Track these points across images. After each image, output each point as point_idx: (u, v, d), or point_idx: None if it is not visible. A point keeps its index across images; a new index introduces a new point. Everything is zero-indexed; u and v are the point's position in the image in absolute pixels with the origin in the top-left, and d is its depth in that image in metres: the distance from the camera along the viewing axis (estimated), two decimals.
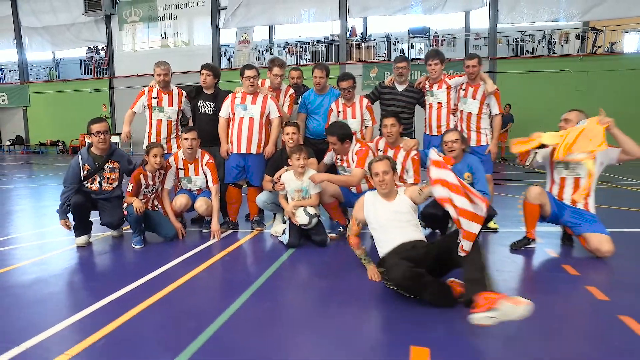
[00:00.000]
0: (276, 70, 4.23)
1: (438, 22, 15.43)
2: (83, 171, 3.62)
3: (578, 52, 13.48)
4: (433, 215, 3.45)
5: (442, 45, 15.36)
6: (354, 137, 3.83)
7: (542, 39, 14.20)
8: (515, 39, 14.32)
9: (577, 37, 13.80)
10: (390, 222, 2.77)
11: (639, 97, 12.67)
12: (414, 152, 3.71)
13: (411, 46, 15.32)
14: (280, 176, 3.73)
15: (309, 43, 15.53)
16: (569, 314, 2.34)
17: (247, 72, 3.97)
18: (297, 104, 4.56)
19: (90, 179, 3.66)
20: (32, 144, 18.61)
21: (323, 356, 1.88)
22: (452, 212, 2.26)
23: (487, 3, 13.71)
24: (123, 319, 2.22)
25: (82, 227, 3.65)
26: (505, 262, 3.21)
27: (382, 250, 2.73)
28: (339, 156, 3.89)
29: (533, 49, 14.31)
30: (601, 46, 13.49)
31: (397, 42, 15.66)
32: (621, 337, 2.02)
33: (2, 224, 4.64)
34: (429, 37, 15.08)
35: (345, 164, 3.84)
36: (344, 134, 3.67)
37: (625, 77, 12.75)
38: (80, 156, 3.66)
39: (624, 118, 14.39)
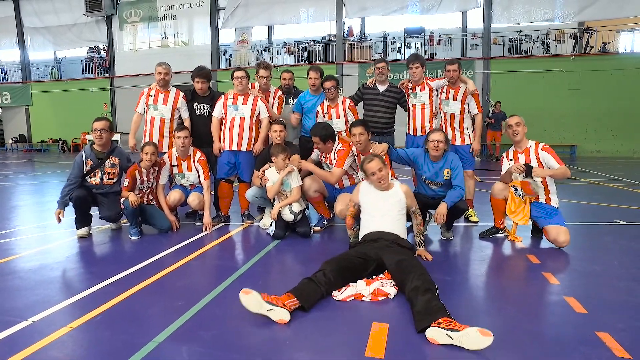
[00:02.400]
0: (262, 72, 4.49)
1: (435, 22, 15.65)
2: (86, 166, 3.89)
3: (572, 52, 13.69)
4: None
5: (438, 45, 15.61)
6: (337, 137, 4.07)
7: (537, 38, 14.42)
8: (511, 38, 14.54)
9: (571, 37, 14.02)
10: (373, 209, 3.08)
11: (630, 97, 12.90)
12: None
13: (408, 46, 15.55)
14: (264, 171, 3.99)
15: (306, 43, 15.77)
16: (521, 295, 2.60)
17: (236, 74, 4.27)
18: (289, 104, 4.82)
19: (92, 174, 3.92)
20: (35, 143, 18.93)
21: (292, 331, 2.13)
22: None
23: (482, 3, 13.93)
24: (118, 299, 2.47)
25: (83, 219, 3.91)
26: (476, 251, 3.48)
27: (361, 231, 3.11)
28: (323, 153, 4.14)
29: (529, 48, 14.53)
30: (593, 46, 13.69)
31: (395, 42, 15.90)
32: (561, 314, 2.28)
33: (8, 218, 4.91)
34: (424, 37, 15.30)
35: (328, 162, 4.09)
36: (326, 135, 3.92)
37: (616, 76, 12.97)
38: (84, 152, 3.94)
39: (614, 116, 14.63)
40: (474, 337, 1.88)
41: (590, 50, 13.69)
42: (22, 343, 1.97)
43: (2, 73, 19.59)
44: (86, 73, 18.47)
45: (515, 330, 2.11)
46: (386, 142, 4.63)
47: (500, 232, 3.75)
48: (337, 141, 4.03)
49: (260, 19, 15.91)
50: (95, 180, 3.94)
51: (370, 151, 3.82)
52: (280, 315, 2.18)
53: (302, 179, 3.97)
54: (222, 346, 1.96)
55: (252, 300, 2.19)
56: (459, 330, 1.91)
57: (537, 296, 2.55)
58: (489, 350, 1.87)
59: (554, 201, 3.58)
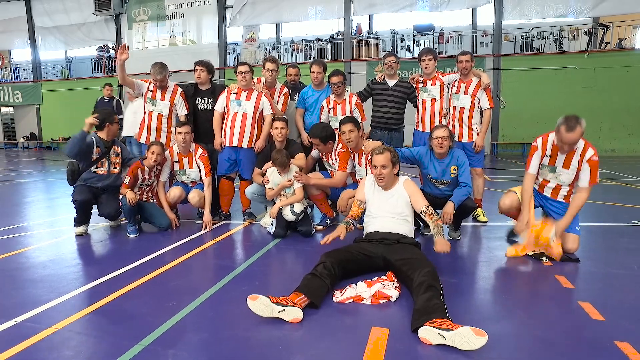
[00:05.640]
0: (268, 65, 4.37)
1: (445, 19, 15.38)
2: (95, 153, 3.81)
3: (587, 48, 13.32)
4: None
5: (448, 42, 15.35)
6: (336, 136, 3.94)
7: (550, 35, 14.08)
8: (522, 36, 14.22)
9: (585, 33, 13.65)
10: (377, 209, 2.94)
11: None
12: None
13: (417, 44, 15.30)
14: (266, 170, 3.88)
15: (314, 41, 15.65)
16: (532, 299, 2.45)
17: (240, 68, 4.15)
18: (294, 100, 4.69)
19: (99, 163, 3.86)
20: (45, 141, 19.12)
21: (285, 334, 2.00)
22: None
23: (492, 0, 13.64)
24: (109, 299, 2.38)
25: (83, 219, 3.85)
26: (485, 252, 3.33)
27: (365, 228, 2.99)
28: (324, 153, 4.02)
29: (540, 46, 14.20)
30: (609, 42, 13.32)
31: (404, 40, 15.68)
32: (575, 321, 2.12)
33: (11, 214, 4.87)
34: (434, 34, 15.05)
35: (331, 161, 3.97)
36: (326, 135, 3.80)
37: (632, 73, 12.59)
38: (93, 138, 3.83)
39: (630, 114, 14.24)
40: (468, 337, 1.79)
41: (606, 46, 13.31)
42: (3, 344, 1.88)
43: (14, 72, 19.85)
44: (96, 72, 18.59)
45: (526, 337, 1.96)
46: (395, 139, 4.50)
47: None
48: (337, 141, 3.90)
49: (268, 17, 15.82)
50: (103, 169, 3.89)
51: (363, 149, 3.70)
52: (293, 314, 2.09)
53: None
54: (211, 351, 1.85)
55: (260, 305, 2.10)
56: (452, 330, 1.83)
57: (549, 301, 2.39)
58: (496, 358, 1.74)
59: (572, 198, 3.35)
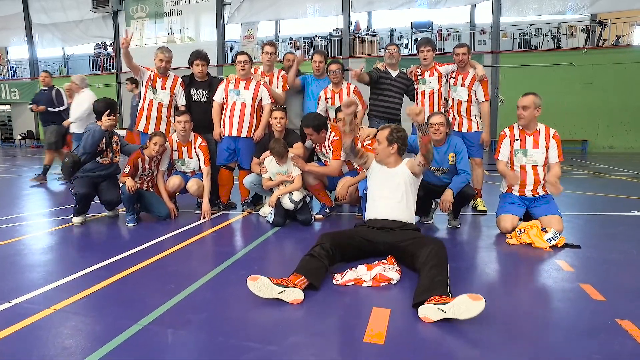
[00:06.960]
0: (267, 48, 4.39)
1: (443, 16, 15.40)
2: (101, 144, 3.80)
3: (585, 45, 13.36)
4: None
5: (446, 40, 15.36)
6: (329, 125, 3.93)
7: (548, 32, 14.11)
8: (520, 33, 14.25)
9: (583, 30, 13.68)
10: (380, 187, 2.88)
11: None
12: (367, 142, 3.69)
13: (415, 41, 15.30)
14: (264, 159, 3.87)
15: (312, 38, 15.63)
16: (532, 282, 2.44)
17: (239, 58, 4.15)
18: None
19: (105, 153, 3.85)
20: (42, 139, 19.01)
21: (286, 314, 1.99)
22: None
23: None
24: (106, 283, 2.36)
25: (82, 210, 3.84)
26: (484, 239, 3.32)
27: (366, 214, 2.94)
28: (317, 143, 4.01)
29: (539, 43, 14.22)
30: (606, 39, 13.35)
31: (402, 37, 15.69)
32: (577, 301, 2.11)
33: (10, 206, 4.84)
34: (432, 31, 15.07)
35: (324, 150, 3.97)
36: (319, 124, 3.80)
37: (630, 70, 12.63)
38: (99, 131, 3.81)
39: (628, 111, 14.27)
40: (465, 304, 1.79)
41: (604, 43, 13.35)
42: (2, 324, 1.86)
43: (11, 70, 19.76)
44: (93, 69, 18.54)
45: (528, 315, 1.95)
46: None
47: None
48: (329, 130, 3.90)
49: (266, 14, 15.81)
50: (107, 159, 3.89)
51: (358, 136, 3.70)
52: (294, 295, 2.08)
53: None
54: (211, 329, 1.84)
55: (261, 285, 2.08)
56: (449, 302, 1.83)
57: (550, 283, 2.39)
58: (499, 339, 1.73)
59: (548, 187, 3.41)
